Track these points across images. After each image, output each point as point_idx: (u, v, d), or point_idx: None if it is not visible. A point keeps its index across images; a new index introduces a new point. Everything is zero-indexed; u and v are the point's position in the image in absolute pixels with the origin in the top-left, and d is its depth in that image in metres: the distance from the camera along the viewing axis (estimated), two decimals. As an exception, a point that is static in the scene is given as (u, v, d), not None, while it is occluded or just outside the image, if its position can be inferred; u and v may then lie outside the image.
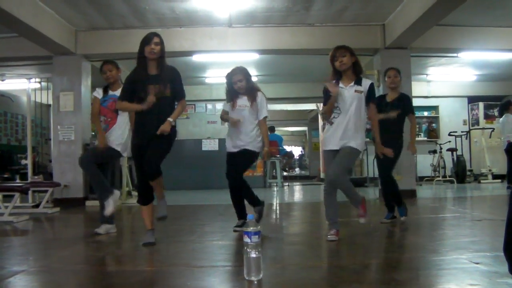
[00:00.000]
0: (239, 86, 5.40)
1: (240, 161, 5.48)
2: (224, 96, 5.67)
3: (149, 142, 4.54)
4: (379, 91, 8.44)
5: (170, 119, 4.52)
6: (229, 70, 5.49)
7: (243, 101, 5.45)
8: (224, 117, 5.62)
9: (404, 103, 5.87)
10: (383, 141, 5.14)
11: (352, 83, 4.76)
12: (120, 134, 5.53)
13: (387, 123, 5.59)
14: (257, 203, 5.55)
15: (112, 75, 5.55)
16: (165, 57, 4.68)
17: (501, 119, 10.76)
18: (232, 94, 5.52)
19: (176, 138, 4.79)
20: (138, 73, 4.62)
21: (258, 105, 5.43)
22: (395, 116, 5.70)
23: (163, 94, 4.52)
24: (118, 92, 5.24)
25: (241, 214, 5.56)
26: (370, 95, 4.80)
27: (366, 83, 4.80)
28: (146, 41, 4.58)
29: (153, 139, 4.51)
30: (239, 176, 5.47)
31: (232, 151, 5.54)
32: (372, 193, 10.50)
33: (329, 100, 4.75)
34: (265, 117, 5.49)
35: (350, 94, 4.72)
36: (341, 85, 4.77)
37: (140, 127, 4.64)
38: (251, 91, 5.46)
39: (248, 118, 5.42)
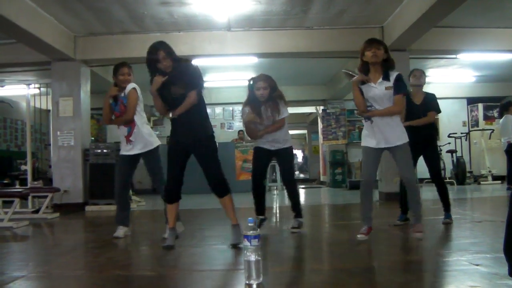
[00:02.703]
0: (262, 93, 5.27)
1: (286, 160, 5.64)
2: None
3: (188, 149, 4.68)
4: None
5: (171, 114, 4.61)
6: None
7: (265, 114, 5.37)
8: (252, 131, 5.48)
9: (431, 103, 5.87)
10: (420, 144, 5.50)
11: (381, 79, 4.65)
12: (147, 132, 5.48)
13: (420, 125, 5.70)
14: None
15: (129, 80, 5.45)
16: (178, 58, 4.66)
17: (501, 120, 10.75)
18: (253, 102, 5.39)
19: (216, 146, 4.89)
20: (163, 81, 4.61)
21: (280, 111, 5.38)
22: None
23: (180, 93, 4.56)
24: (122, 94, 5.40)
25: (261, 210, 5.63)
26: (397, 86, 4.65)
27: (393, 76, 4.68)
28: (153, 52, 4.58)
29: (193, 147, 4.66)
30: (293, 176, 5.68)
31: (267, 148, 5.53)
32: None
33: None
34: (283, 118, 5.42)
35: (382, 92, 4.65)
36: (372, 84, 4.68)
37: (173, 129, 4.74)
38: (274, 101, 5.36)
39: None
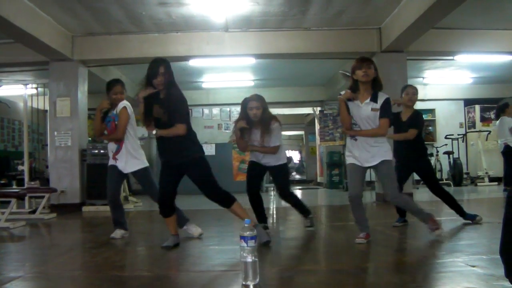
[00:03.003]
0: (255, 113, 5.28)
1: (279, 177, 5.73)
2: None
3: (180, 169, 4.73)
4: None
5: (157, 131, 4.61)
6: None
7: (255, 135, 5.41)
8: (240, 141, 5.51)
9: (414, 119, 5.87)
10: (410, 159, 5.71)
11: (368, 100, 4.64)
12: (133, 153, 5.50)
13: (408, 142, 5.76)
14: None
15: (121, 98, 5.47)
16: (173, 82, 4.67)
17: (497, 122, 10.76)
18: (246, 121, 5.38)
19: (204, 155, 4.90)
20: (152, 92, 4.61)
21: (271, 135, 5.37)
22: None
23: (162, 118, 4.57)
24: (116, 112, 5.45)
25: (262, 218, 5.67)
26: (384, 110, 4.65)
27: (381, 99, 4.66)
28: (152, 75, 4.55)
29: (186, 169, 4.71)
30: (288, 192, 5.78)
31: (261, 163, 5.60)
32: (369, 196, 10.49)
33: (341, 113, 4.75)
34: (275, 146, 5.43)
35: (367, 113, 4.65)
36: (357, 102, 4.68)
37: (158, 145, 4.79)
38: (266, 122, 5.36)
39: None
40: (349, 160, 4.85)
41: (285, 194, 5.74)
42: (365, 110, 4.65)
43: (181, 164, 4.68)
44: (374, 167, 4.77)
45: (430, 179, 5.98)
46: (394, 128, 5.80)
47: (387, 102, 4.66)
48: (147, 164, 5.59)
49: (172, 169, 4.72)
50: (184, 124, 4.59)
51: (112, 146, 5.51)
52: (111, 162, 5.54)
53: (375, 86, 4.67)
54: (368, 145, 4.69)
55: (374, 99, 4.64)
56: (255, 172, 5.62)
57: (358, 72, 4.63)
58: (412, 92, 5.92)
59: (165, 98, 4.59)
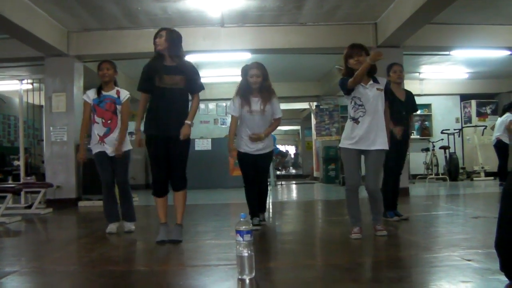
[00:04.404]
0: (255, 81, 5.32)
1: (265, 164, 5.71)
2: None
3: (167, 142, 4.69)
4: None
5: (188, 121, 4.69)
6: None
7: (255, 105, 5.38)
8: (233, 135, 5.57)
9: (414, 101, 6.08)
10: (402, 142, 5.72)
11: (371, 81, 4.70)
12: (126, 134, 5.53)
13: (400, 121, 5.74)
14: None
15: (109, 74, 5.44)
16: (181, 50, 4.80)
17: (500, 118, 10.84)
18: (245, 91, 5.43)
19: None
20: (155, 62, 4.74)
21: (272, 108, 5.44)
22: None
23: (177, 85, 4.66)
24: (112, 93, 5.44)
25: (259, 208, 5.71)
26: (387, 93, 4.82)
27: (382, 81, 4.79)
28: (155, 36, 4.70)
29: (173, 142, 4.68)
30: (266, 181, 5.78)
31: (249, 153, 5.54)
32: (365, 192, 10.48)
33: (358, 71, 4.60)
34: (279, 118, 5.52)
35: (373, 93, 4.68)
36: (363, 85, 4.69)
37: (154, 118, 4.72)
38: (266, 92, 5.38)
39: (261, 123, 5.45)
40: (343, 144, 4.82)
41: (265, 180, 5.80)
42: (371, 91, 4.68)
43: (170, 138, 4.68)
44: (365, 152, 4.75)
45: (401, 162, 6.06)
46: (392, 108, 5.66)
47: (388, 85, 4.88)
48: (131, 147, 5.60)
49: (160, 145, 4.70)
50: (197, 94, 4.83)
51: (100, 129, 5.43)
52: (97, 148, 5.46)
53: (371, 69, 4.66)
54: (369, 128, 4.65)
55: (375, 80, 4.73)
56: (250, 165, 5.56)
57: (351, 61, 4.74)
58: (399, 70, 5.96)
59: (178, 64, 4.71)
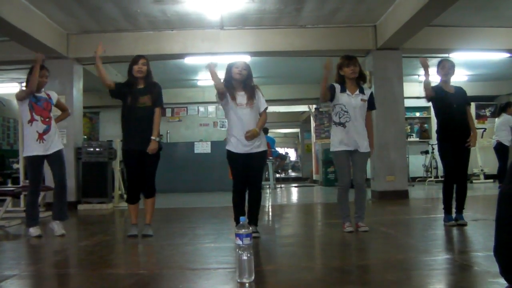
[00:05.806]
0: (240, 72, 5.15)
1: (259, 166, 5.34)
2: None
3: (140, 155, 5.30)
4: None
5: (153, 137, 5.28)
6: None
7: (241, 99, 5.15)
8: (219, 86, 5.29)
9: (462, 93, 5.86)
10: (463, 136, 5.61)
11: (357, 91, 5.31)
12: (58, 134, 5.96)
13: (459, 118, 5.68)
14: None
15: (45, 81, 5.90)
16: (151, 75, 5.48)
17: (498, 119, 10.84)
18: (229, 86, 5.22)
19: (163, 147, 5.62)
20: (130, 85, 5.42)
21: (257, 100, 5.21)
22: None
23: (146, 104, 5.32)
24: (44, 94, 5.89)
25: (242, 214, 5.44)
26: (370, 103, 5.40)
27: (367, 92, 5.42)
28: (133, 61, 5.40)
29: (147, 156, 5.30)
30: (260, 185, 5.42)
31: (241, 152, 5.15)
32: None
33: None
34: (266, 108, 5.28)
35: (358, 103, 5.28)
36: (348, 92, 5.32)
37: (129, 135, 5.39)
38: (250, 88, 5.22)
39: (251, 117, 5.15)
40: (336, 148, 5.33)
41: (258, 186, 5.32)
42: (356, 100, 5.29)
43: (144, 152, 5.26)
44: (354, 153, 5.29)
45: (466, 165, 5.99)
46: (444, 102, 5.70)
47: (373, 97, 5.49)
48: (62, 147, 5.95)
49: (134, 158, 5.34)
50: (160, 108, 5.47)
51: (39, 127, 5.64)
52: (34, 150, 5.60)
53: (360, 78, 5.39)
54: (356, 132, 5.26)
55: (362, 91, 5.36)
56: (240, 166, 5.18)
57: (346, 70, 5.33)
58: (448, 66, 5.85)
59: (147, 88, 5.39)
